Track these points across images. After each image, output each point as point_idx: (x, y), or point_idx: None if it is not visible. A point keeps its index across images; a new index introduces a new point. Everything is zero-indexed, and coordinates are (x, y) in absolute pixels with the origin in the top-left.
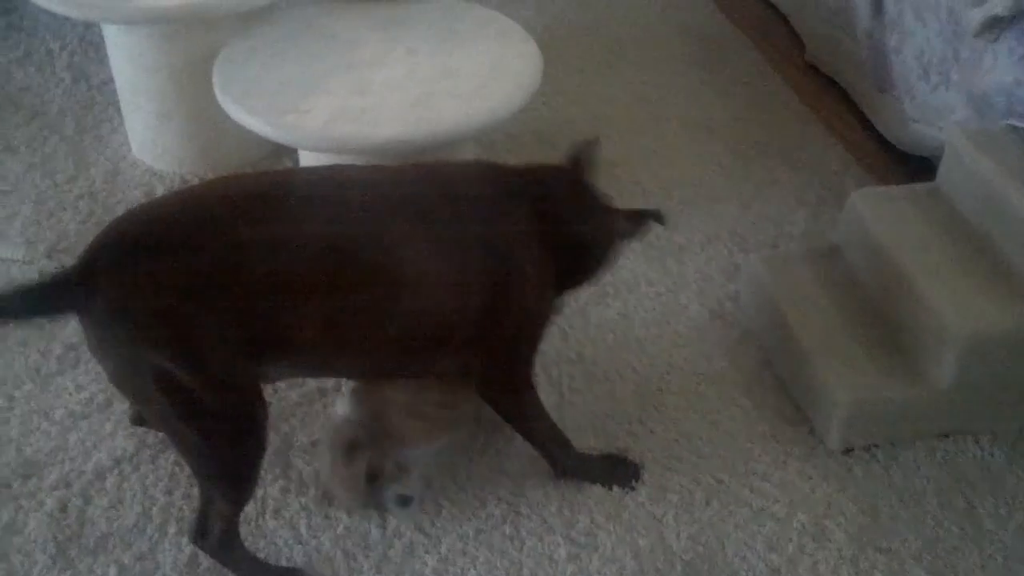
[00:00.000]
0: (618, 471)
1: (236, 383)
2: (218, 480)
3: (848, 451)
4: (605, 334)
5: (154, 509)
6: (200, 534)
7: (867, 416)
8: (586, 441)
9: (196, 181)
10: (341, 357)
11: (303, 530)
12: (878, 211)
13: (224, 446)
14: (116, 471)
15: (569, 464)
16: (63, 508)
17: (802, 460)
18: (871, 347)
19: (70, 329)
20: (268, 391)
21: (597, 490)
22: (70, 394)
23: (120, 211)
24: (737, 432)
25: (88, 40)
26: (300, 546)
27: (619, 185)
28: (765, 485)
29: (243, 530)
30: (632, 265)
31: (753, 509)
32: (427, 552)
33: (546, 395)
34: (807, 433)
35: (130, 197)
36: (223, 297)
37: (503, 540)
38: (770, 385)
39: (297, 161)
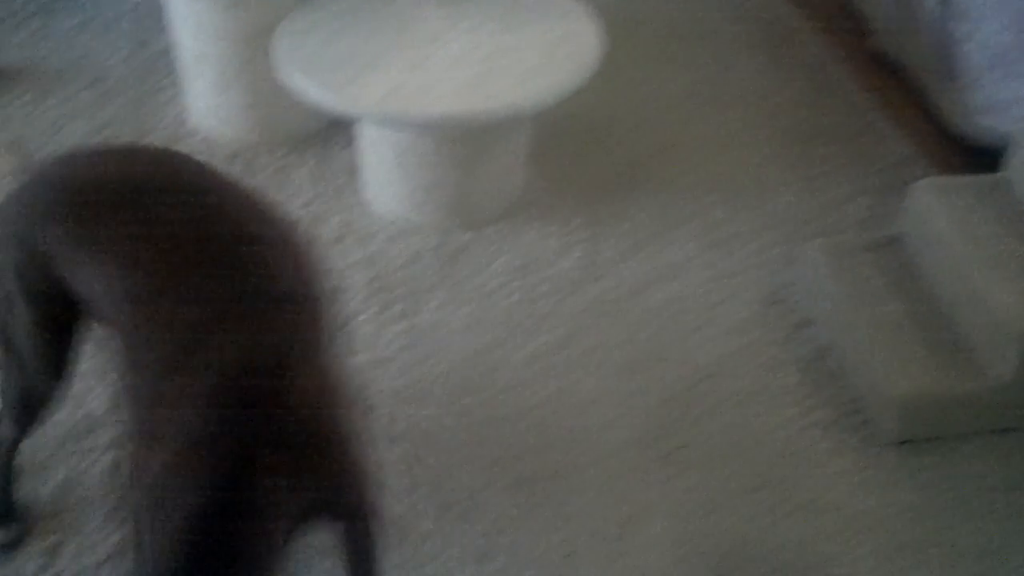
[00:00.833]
0: None
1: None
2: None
3: (904, 443)
4: (658, 318)
5: None
6: None
7: (924, 409)
8: (638, 422)
9: (254, 151)
10: None
11: None
12: (941, 202)
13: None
14: None
15: None
16: (118, 466)
17: (857, 451)
18: (931, 339)
19: None
20: None
21: (647, 471)
22: None
23: None
24: (791, 420)
25: (149, 7)
26: None
27: (677, 169)
28: (819, 474)
29: None
30: (688, 249)
31: (806, 498)
32: (473, 526)
33: (594, 376)
34: (863, 424)
35: None
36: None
37: (552, 517)
38: (826, 374)
39: (355, 134)
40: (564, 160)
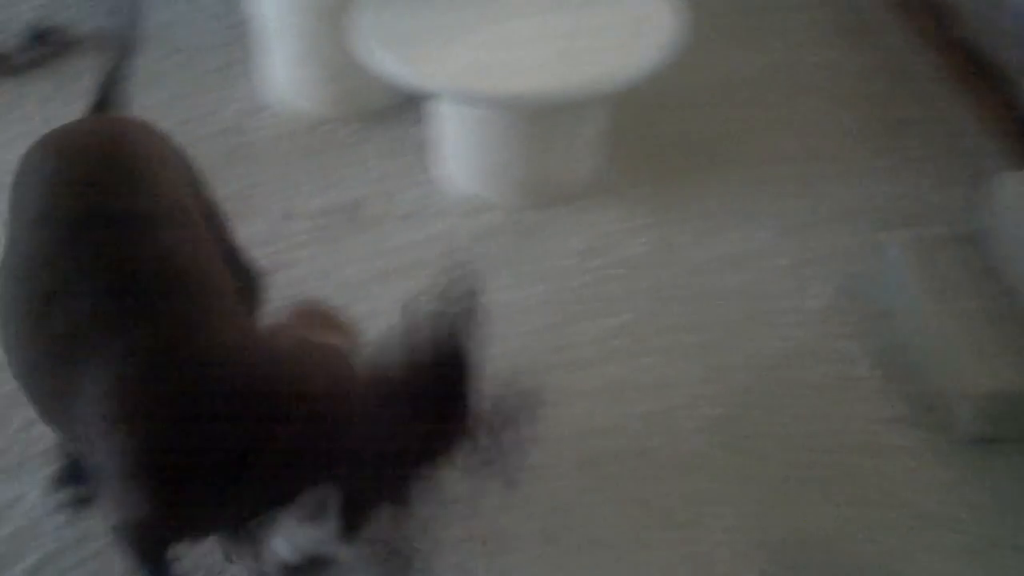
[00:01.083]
0: None
1: None
2: None
3: (978, 442)
4: (732, 305)
5: None
6: None
7: (1003, 409)
8: (708, 408)
9: (329, 125)
10: None
11: None
12: None
13: None
14: None
15: None
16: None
17: (931, 448)
18: (1010, 338)
19: None
20: None
21: (718, 459)
22: None
23: (256, 149)
24: (862, 414)
25: None
26: None
27: (752, 153)
28: (889, 468)
29: None
30: (764, 236)
31: (879, 493)
32: (541, 505)
33: (665, 359)
34: (938, 421)
35: (266, 136)
36: None
37: (620, 500)
38: (901, 369)
39: (430, 109)
40: (638, 141)
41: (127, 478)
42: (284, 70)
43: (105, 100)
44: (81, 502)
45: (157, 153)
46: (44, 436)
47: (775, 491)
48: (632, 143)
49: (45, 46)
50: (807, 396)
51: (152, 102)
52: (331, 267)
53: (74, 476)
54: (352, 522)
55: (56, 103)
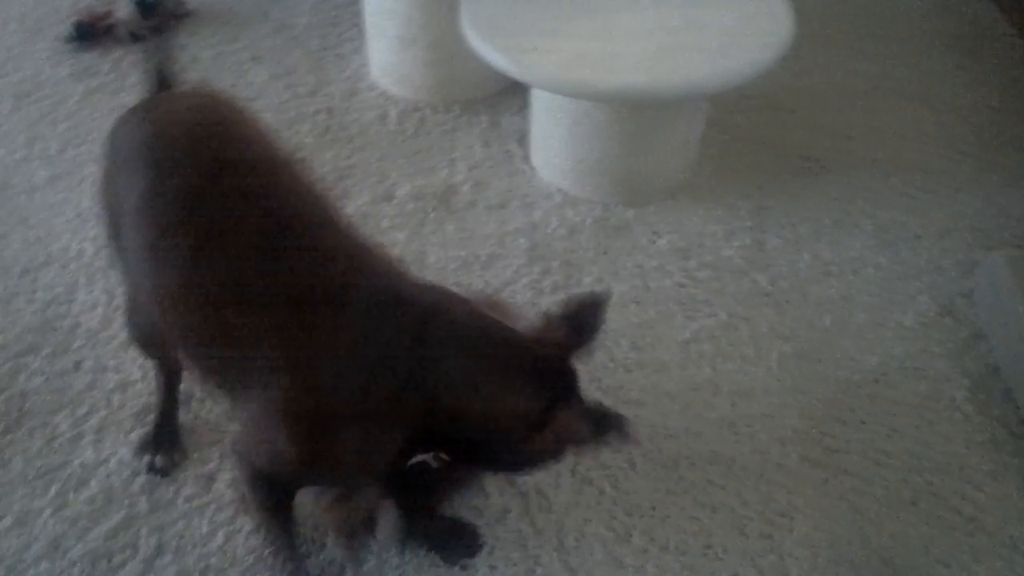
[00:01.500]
0: None
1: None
2: None
3: None
4: (823, 314)
5: None
6: None
7: None
8: (794, 419)
9: (427, 110)
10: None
11: None
12: None
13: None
14: None
15: None
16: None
17: (1020, 475)
18: None
19: None
20: None
21: (798, 471)
22: None
23: (354, 130)
24: (954, 436)
25: None
26: None
27: (855, 162)
28: (978, 495)
29: None
30: (861, 246)
31: (963, 517)
32: (614, 504)
33: (752, 366)
34: None
35: (364, 118)
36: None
37: (694, 505)
38: (996, 392)
39: (529, 100)
40: (737, 143)
41: (283, 419)
42: (387, 54)
43: (165, 80)
44: (163, 470)
45: (249, 118)
46: (135, 400)
47: (854, 508)
48: (728, 144)
49: (155, 17)
50: (896, 413)
51: (253, 80)
52: (418, 252)
53: (161, 443)
54: (438, 496)
55: None
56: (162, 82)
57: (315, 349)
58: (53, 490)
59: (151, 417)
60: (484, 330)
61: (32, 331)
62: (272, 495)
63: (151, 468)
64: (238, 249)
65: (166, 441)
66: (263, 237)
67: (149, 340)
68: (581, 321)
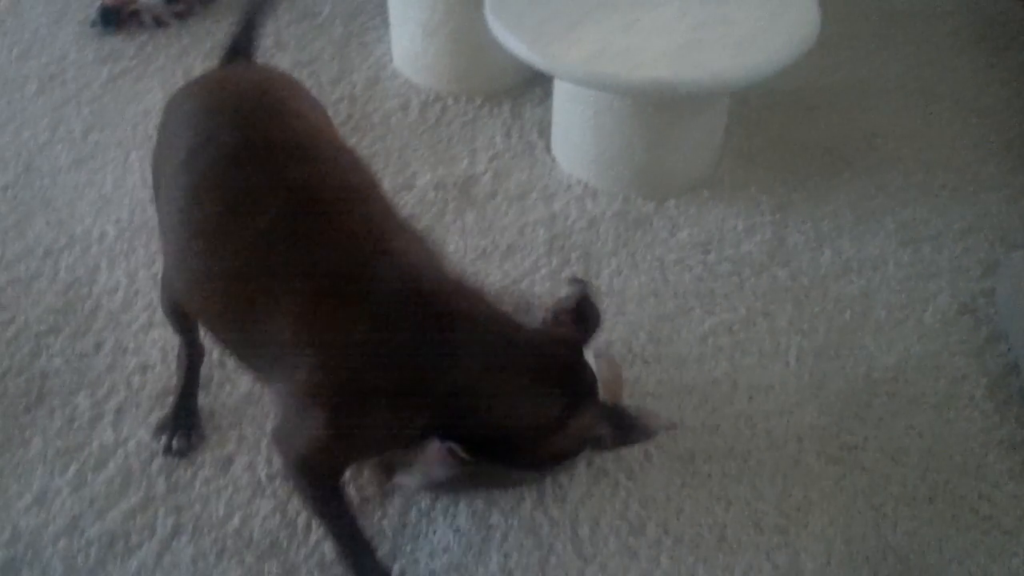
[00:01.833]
0: None
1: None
2: None
3: None
4: (843, 310)
5: None
6: None
7: None
8: (812, 415)
9: (450, 100)
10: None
11: None
12: None
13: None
14: None
15: None
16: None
17: None
18: None
19: None
20: None
21: (815, 466)
22: None
23: (376, 119)
24: (972, 435)
25: None
26: None
27: (878, 160)
28: (996, 493)
29: None
30: (882, 244)
31: (979, 516)
32: (629, 495)
33: (770, 361)
34: None
35: (386, 107)
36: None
37: (709, 499)
38: (1016, 392)
39: (551, 92)
40: (759, 138)
41: (317, 397)
42: (410, 43)
43: (239, 49)
44: (180, 451)
45: (305, 96)
46: (155, 382)
47: (870, 505)
48: (751, 139)
49: (180, 3)
50: (915, 412)
51: (280, 64)
52: (438, 241)
53: (179, 425)
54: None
55: (189, 58)
56: (235, 51)
57: (341, 331)
58: (72, 470)
59: (170, 399)
60: (505, 331)
61: (53, 312)
62: (319, 481)
63: (168, 450)
64: (265, 224)
65: (184, 423)
66: (290, 214)
67: (180, 314)
68: (583, 315)
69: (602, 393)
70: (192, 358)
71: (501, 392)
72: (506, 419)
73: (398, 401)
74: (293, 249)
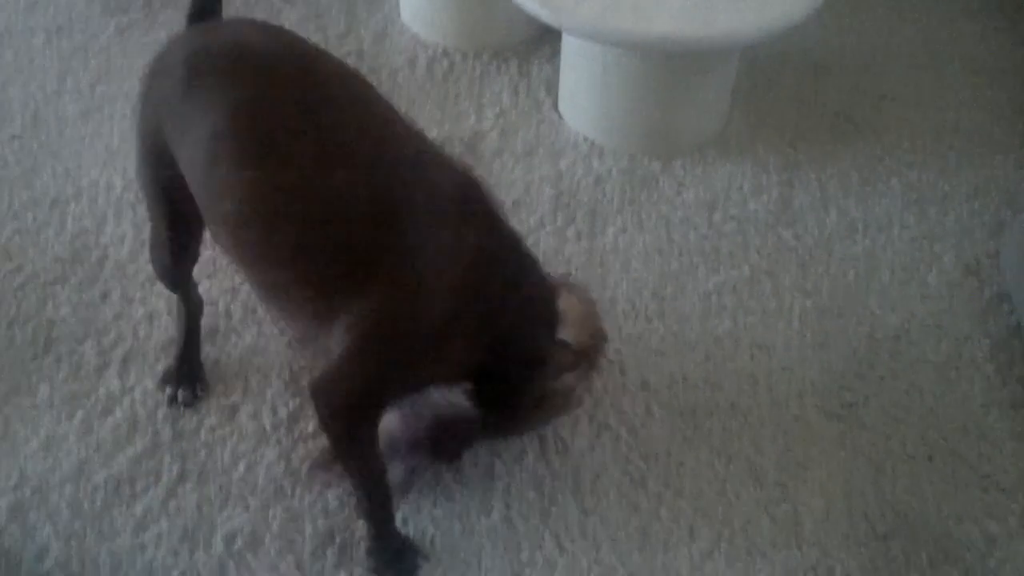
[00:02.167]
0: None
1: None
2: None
3: None
4: (847, 270)
5: None
6: None
7: None
8: (814, 373)
9: (458, 56)
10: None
11: None
12: None
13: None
14: None
15: (369, 545)
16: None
17: None
18: None
19: None
20: None
21: (816, 423)
22: None
23: (383, 74)
24: (974, 395)
25: None
26: None
27: (887, 121)
28: (995, 453)
29: None
30: (888, 205)
31: (978, 474)
32: (630, 449)
33: (773, 320)
34: None
35: (394, 62)
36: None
37: (710, 453)
38: (1018, 353)
39: (559, 48)
40: (768, 99)
41: (375, 329)
42: None
43: (206, 8)
44: (185, 402)
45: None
46: (161, 332)
47: (871, 462)
48: (760, 99)
49: None
50: (918, 372)
51: (285, 21)
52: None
53: (183, 376)
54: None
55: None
56: (203, 10)
57: (396, 265)
58: (79, 416)
59: (174, 350)
60: (532, 272)
61: (61, 262)
62: (360, 424)
63: (173, 401)
64: (301, 161)
65: (188, 375)
66: (334, 146)
67: (174, 275)
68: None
69: (579, 329)
70: (191, 312)
71: (528, 330)
72: (523, 354)
73: (448, 334)
74: (340, 184)
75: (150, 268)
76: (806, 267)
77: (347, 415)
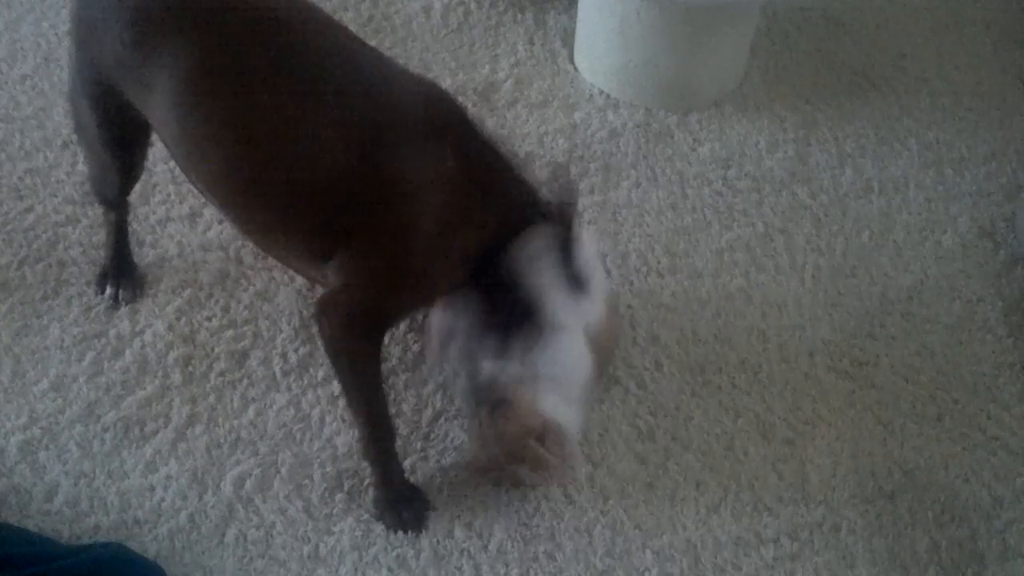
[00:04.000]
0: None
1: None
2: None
3: None
4: (861, 230)
5: None
6: None
7: None
8: (826, 331)
9: (473, 4)
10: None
11: None
12: None
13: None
14: None
15: (376, 493)
16: (311, 287)
17: None
18: None
19: None
20: None
21: (826, 381)
22: None
23: (397, 21)
24: (985, 357)
25: None
26: None
27: (906, 81)
28: (1004, 415)
29: None
30: (905, 165)
31: (986, 436)
32: (639, 403)
33: (786, 278)
34: None
35: (408, 9)
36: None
37: (719, 409)
38: None
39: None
40: (786, 56)
41: (387, 243)
42: None
43: None
44: (126, 301)
45: None
46: (172, 275)
47: (879, 421)
48: (779, 56)
49: None
50: (929, 332)
51: None
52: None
53: (119, 275)
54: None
55: None
56: None
57: (407, 180)
58: (88, 358)
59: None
60: (531, 193)
61: (71, 203)
62: (366, 341)
63: (115, 300)
64: (279, 99)
65: (125, 272)
66: (330, 69)
67: (120, 200)
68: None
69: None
70: (121, 216)
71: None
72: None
73: (439, 253)
74: (319, 121)
75: (161, 211)
76: (820, 225)
77: (349, 332)
